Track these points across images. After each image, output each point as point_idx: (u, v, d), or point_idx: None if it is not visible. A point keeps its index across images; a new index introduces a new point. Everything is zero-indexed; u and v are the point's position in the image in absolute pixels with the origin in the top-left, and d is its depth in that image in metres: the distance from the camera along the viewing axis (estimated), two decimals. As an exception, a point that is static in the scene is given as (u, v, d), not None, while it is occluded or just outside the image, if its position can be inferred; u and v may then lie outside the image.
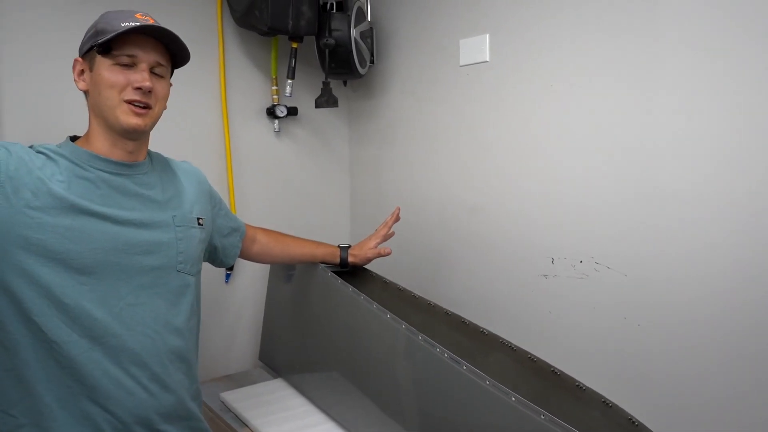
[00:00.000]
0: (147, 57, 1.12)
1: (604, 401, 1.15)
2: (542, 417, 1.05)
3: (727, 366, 1.26)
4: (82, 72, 1.15)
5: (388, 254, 1.66)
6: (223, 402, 1.78)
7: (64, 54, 1.69)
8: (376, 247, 1.66)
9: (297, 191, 2.19)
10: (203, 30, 1.93)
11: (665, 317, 1.36)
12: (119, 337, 1.09)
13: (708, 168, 1.27)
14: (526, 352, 1.32)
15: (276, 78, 2.06)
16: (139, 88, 1.10)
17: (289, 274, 1.84)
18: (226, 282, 2.05)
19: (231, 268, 2.04)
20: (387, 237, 1.68)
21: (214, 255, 1.44)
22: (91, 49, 1.11)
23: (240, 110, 2.03)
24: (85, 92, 1.16)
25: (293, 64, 1.90)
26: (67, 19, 1.68)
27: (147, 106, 1.13)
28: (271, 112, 2.06)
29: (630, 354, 1.42)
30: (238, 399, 1.77)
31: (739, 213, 1.23)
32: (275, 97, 2.06)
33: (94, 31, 1.12)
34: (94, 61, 1.11)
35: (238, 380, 1.96)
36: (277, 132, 2.11)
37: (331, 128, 2.24)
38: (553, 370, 1.25)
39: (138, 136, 1.16)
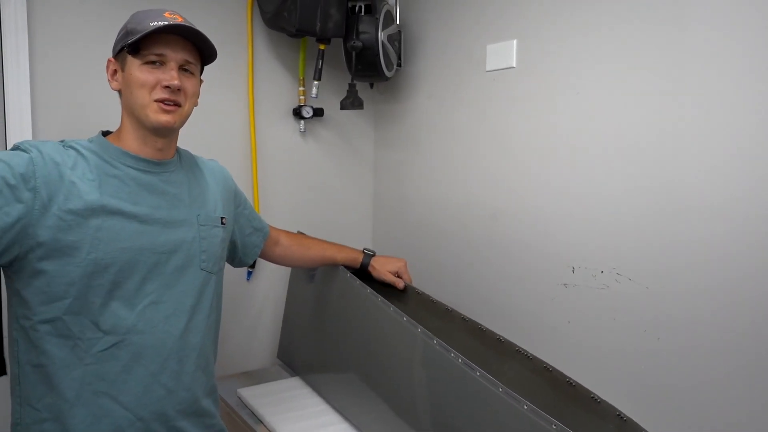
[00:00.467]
0: (175, 55, 1.13)
1: (618, 414, 1.14)
2: (554, 427, 1.04)
3: (751, 385, 1.23)
4: (114, 72, 1.17)
5: (401, 287, 1.65)
6: (240, 398, 1.80)
7: (96, 53, 1.75)
8: (394, 274, 1.65)
9: (320, 192, 2.20)
10: (233, 31, 1.96)
11: (686, 332, 1.33)
12: (141, 334, 1.12)
13: (735, 180, 1.24)
14: (542, 362, 1.30)
15: (303, 79, 2.08)
16: (167, 87, 1.12)
17: (311, 274, 1.86)
18: (248, 280, 2.08)
19: (253, 266, 2.07)
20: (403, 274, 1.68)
21: (233, 253, 1.45)
22: (122, 49, 1.13)
23: (267, 110, 2.05)
24: (119, 91, 1.18)
25: (320, 66, 1.91)
26: (98, 18, 1.73)
27: (176, 104, 1.15)
28: (297, 113, 2.08)
29: (648, 368, 1.40)
30: (254, 396, 1.79)
31: (765, 226, 1.20)
32: (302, 98, 2.08)
33: (125, 32, 1.14)
34: (126, 61, 1.13)
35: (255, 377, 1.99)
36: (303, 132, 2.12)
37: (356, 130, 2.25)
38: (568, 381, 1.24)
39: (167, 133, 1.18)
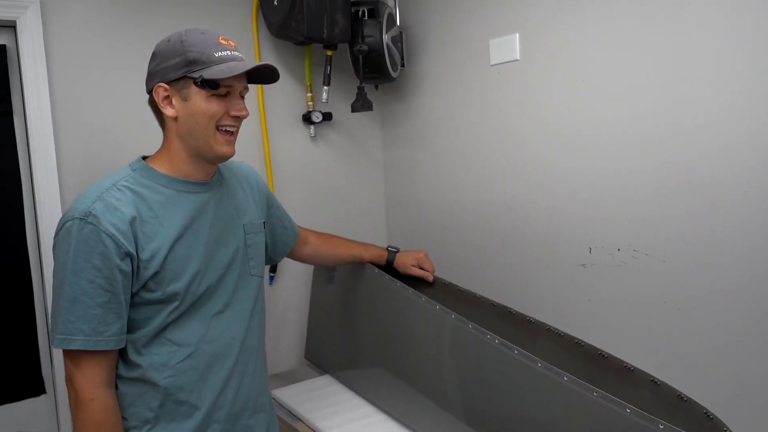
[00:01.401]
0: (240, 85, 1.16)
1: (652, 380, 1.20)
2: (594, 394, 1.10)
3: (762, 342, 1.30)
4: (167, 97, 1.14)
5: (430, 280, 1.70)
6: (274, 398, 1.84)
7: (112, 76, 1.80)
8: (416, 264, 1.70)
9: (333, 194, 2.26)
10: (239, 42, 1.97)
11: (705, 300, 1.40)
12: (210, 342, 1.19)
13: (744, 152, 1.31)
14: (573, 338, 1.37)
15: (310, 85, 2.13)
16: (236, 116, 1.16)
17: (330, 275, 1.92)
18: (270, 284, 2.13)
19: (274, 270, 2.12)
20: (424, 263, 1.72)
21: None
22: (182, 77, 1.12)
23: (277, 118, 2.11)
24: (173, 117, 1.16)
25: (329, 71, 1.97)
26: (114, 42, 1.78)
27: (235, 130, 1.19)
28: (307, 118, 2.14)
29: (672, 336, 1.47)
30: (289, 395, 1.85)
31: (763, 186, 1.27)
32: (310, 103, 2.14)
33: (186, 60, 1.11)
34: (189, 90, 1.12)
35: (286, 378, 2.04)
36: (313, 137, 2.18)
37: (364, 132, 2.31)
38: (600, 353, 1.30)
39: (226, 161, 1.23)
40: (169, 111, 1.15)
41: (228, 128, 1.16)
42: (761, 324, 1.30)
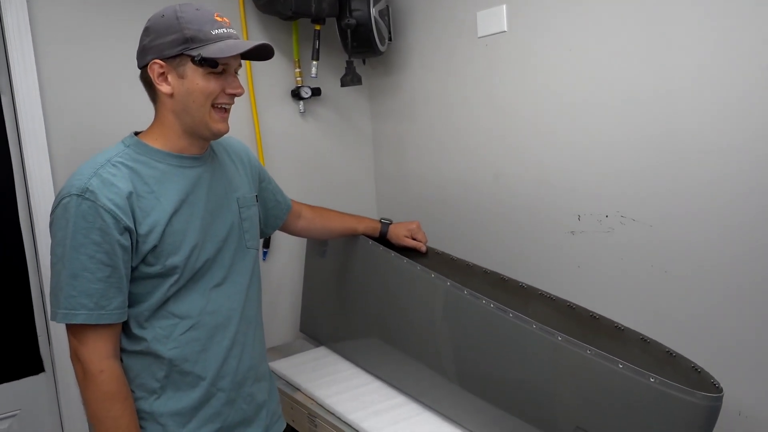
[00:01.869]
0: (235, 62, 1.17)
1: (642, 338, 1.25)
2: (588, 352, 1.15)
3: (751, 305, 1.35)
4: (163, 74, 1.14)
5: (423, 251, 1.73)
6: (272, 370, 1.87)
7: (100, 51, 1.79)
8: (408, 235, 1.73)
9: (323, 168, 2.27)
10: (227, 17, 2.00)
11: (690, 262, 1.45)
12: (211, 314, 1.22)
13: (730, 120, 1.34)
14: (565, 301, 1.41)
15: (298, 60, 2.13)
16: (233, 94, 1.17)
17: (322, 249, 1.95)
18: (264, 260, 2.15)
19: (268, 246, 2.14)
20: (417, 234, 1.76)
21: None
22: (178, 55, 1.12)
23: (266, 94, 2.11)
24: (168, 94, 1.16)
25: (317, 46, 1.97)
26: (100, 16, 1.76)
27: (230, 107, 1.20)
28: (296, 94, 2.14)
29: (659, 298, 1.52)
30: (286, 367, 1.88)
31: (749, 157, 1.31)
32: (299, 79, 2.14)
33: (183, 37, 1.11)
34: (186, 67, 1.13)
35: (282, 351, 2.07)
36: (302, 113, 2.19)
37: (353, 106, 2.32)
38: (592, 315, 1.35)
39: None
40: (164, 88, 1.15)
41: (224, 106, 1.18)
42: (743, 283, 1.35)
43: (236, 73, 1.19)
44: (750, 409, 1.36)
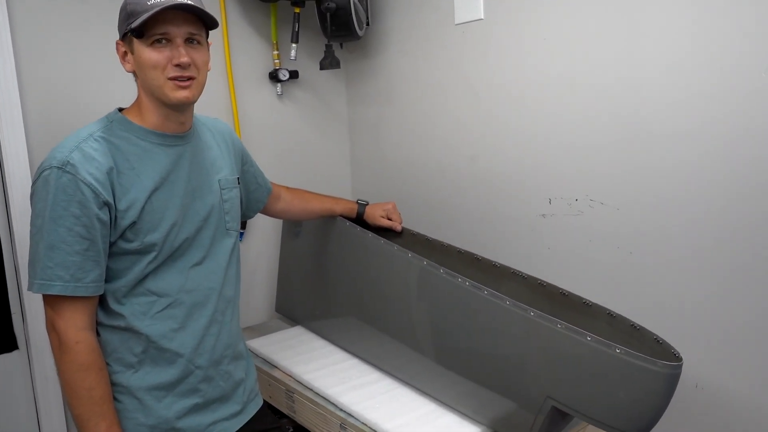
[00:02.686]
0: (179, 31, 1.15)
1: (608, 313, 1.32)
2: (559, 326, 1.21)
3: (713, 287, 1.44)
4: (125, 54, 1.18)
5: (399, 230, 1.79)
6: (250, 349, 1.90)
7: (78, 30, 1.77)
8: (384, 216, 1.78)
9: (300, 151, 2.29)
10: (206, 0, 2.00)
11: (655, 245, 1.52)
12: (189, 292, 1.24)
13: (696, 105, 1.41)
14: (536, 279, 1.47)
15: (277, 43, 2.14)
16: (178, 65, 1.15)
17: (296, 231, 1.98)
18: (240, 240, 2.16)
19: (244, 227, 2.15)
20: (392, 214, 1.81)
21: None
22: (127, 32, 1.15)
23: (244, 76, 2.12)
24: (133, 72, 1.20)
25: (296, 29, 1.99)
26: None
27: (190, 78, 1.18)
28: (273, 76, 2.15)
29: (625, 277, 1.59)
30: (263, 345, 1.91)
31: (715, 144, 1.38)
32: (277, 61, 2.15)
33: (125, 14, 1.15)
34: (133, 43, 1.15)
35: (259, 330, 2.10)
36: (280, 95, 2.20)
37: (330, 89, 2.34)
38: (561, 292, 1.41)
39: (187, 107, 1.23)
40: (127, 66, 1.19)
41: (177, 80, 1.16)
42: (703, 265, 1.44)
43: (196, 43, 1.18)
44: (706, 382, 1.45)
